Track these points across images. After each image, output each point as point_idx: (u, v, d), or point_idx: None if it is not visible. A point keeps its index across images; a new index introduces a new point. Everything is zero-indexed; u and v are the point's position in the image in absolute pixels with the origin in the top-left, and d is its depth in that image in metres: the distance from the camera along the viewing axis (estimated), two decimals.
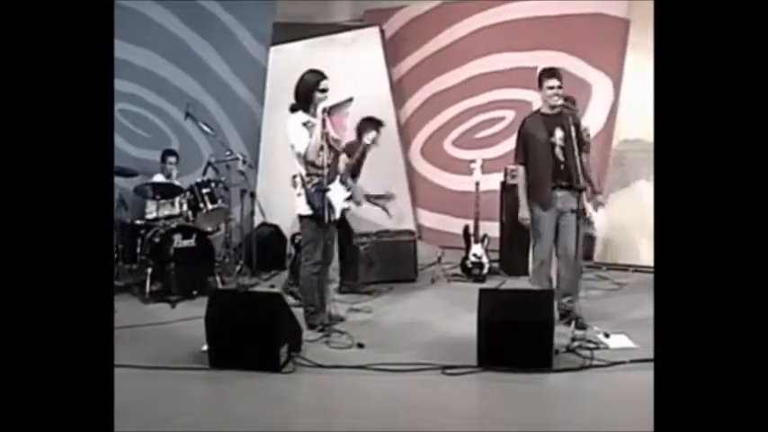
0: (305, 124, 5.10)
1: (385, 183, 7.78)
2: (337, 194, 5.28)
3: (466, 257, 6.90)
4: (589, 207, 5.31)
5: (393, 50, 8.51)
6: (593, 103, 7.62)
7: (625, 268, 7.13)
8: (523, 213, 5.41)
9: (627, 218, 7.25)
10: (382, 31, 8.42)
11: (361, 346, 4.94)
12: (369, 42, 8.31)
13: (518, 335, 4.43)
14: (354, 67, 7.81)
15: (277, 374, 4.45)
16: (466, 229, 6.95)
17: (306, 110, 5.14)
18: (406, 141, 8.59)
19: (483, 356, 4.49)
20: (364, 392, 4.35)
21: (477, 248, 6.86)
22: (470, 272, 6.86)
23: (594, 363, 4.56)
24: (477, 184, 6.85)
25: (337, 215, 5.32)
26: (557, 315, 5.19)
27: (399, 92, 8.56)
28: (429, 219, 8.58)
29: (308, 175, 5.15)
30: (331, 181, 5.22)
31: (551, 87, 5.19)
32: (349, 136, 7.92)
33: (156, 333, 5.39)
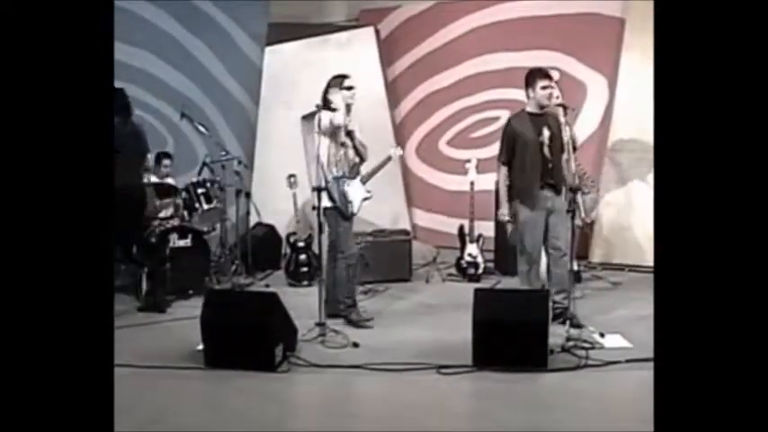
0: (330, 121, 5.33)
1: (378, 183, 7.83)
2: (356, 191, 5.49)
3: (461, 257, 6.90)
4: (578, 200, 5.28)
5: (388, 50, 8.50)
6: (588, 103, 7.64)
7: (621, 268, 7.14)
8: (504, 210, 5.39)
9: (622, 218, 7.27)
10: (377, 31, 8.41)
11: (356, 345, 4.94)
12: (363, 42, 8.30)
13: (513, 334, 4.43)
14: (349, 67, 7.72)
15: (272, 374, 4.43)
16: (461, 228, 6.95)
17: (333, 109, 5.33)
18: (401, 141, 8.54)
19: (478, 356, 4.49)
20: (359, 392, 4.37)
21: (471, 248, 6.86)
22: (465, 272, 6.86)
23: (590, 362, 4.56)
24: (472, 183, 6.86)
25: (355, 210, 5.49)
26: (551, 314, 5.21)
27: (394, 92, 8.56)
28: (424, 218, 8.57)
29: (328, 166, 5.31)
30: (352, 178, 5.44)
31: (545, 87, 5.19)
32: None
33: (152, 332, 5.39)
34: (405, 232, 7.11)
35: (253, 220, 7.39)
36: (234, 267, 6.78)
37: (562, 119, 5.14)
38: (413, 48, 8.44)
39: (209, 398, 4.29)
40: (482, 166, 7.00)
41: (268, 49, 7.95)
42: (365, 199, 5.58)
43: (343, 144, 5.38)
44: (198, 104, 7.47)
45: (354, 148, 5.46)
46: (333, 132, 5.33)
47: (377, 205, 7.79)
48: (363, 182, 5.58)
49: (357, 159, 5.51)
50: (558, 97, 5.30)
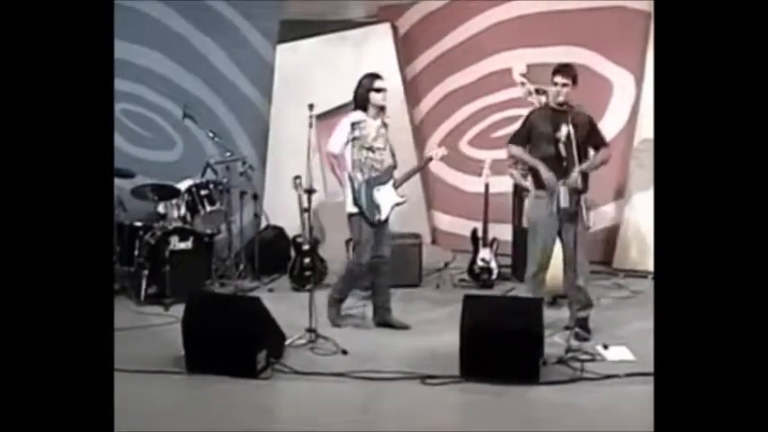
0: (354, 124, 5.23)
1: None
2: (387, 197, 5.32)
3: (473, 262, 6.64)
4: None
5: (408, 47, 8.26)
6: (615, 100, 7.32)
7: (644, 275, 6.75)
8: (546, 174, 4.97)
9: (648, 222, 6.87)
10: (394, 28, 8.17)
11: (345, 352, 4.79)
12: (380, 39, 8.06)
13: (502, 344, 4.20)
14: (365, 64, 7.62)
15: (254, 380, 4.35)
16: (474, 232, 6.69)
17: (364, 109, 5.27)
18: (421, 141, 8.33)
19: (465, 366, 4.28)
20: (340, 401, 4.22)
21: (485, 253, 6.58)
22: (478, 277, 6.59)
23: (585, 375, 4.31)
24: (487, 185, 6.60)
25: (383, 216, 5.31)
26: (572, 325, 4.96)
27: (414, 90, 8.31)
28: (444, 222, 8.30)
29: (353, 169, 5.23)
30: (383, 183, 5.29)
31: (556, 84, 5.02)
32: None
33: (142, 336, 5.30)
34: (414, 236, 6.85)
35: (264, 222, 7.30)
36: (238, 271, 6.67)
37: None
38: (433, 44, 8.16)
39: (186, 403, 4.21)
40: (502, 168, 6.69)
41: (282, 46, 7.81)
42: (397, 204, 5.39)
43: (369, 148, 5.23)
44: (208, 104, 7.38)
45: (390, 150, 5.36)
46: (357, 136, 5.22)
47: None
48: (396, 186, 5.40)
49: (391, 162, 5.36)
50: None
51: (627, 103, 7.30)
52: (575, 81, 5.01)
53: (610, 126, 7.22)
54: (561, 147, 4.96)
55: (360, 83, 5.30)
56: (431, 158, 5.71)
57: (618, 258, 7.10)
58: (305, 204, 6.60)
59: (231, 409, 4.03)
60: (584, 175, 4.95)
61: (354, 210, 5.21)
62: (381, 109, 5.28)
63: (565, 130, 4.94)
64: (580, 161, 4.88)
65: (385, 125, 5.34)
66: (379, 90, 5.23)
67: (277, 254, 6.97)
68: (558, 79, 5.00)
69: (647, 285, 6.51)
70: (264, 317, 4.60)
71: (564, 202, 4.88)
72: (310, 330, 4.95)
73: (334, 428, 3.83)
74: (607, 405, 4.02)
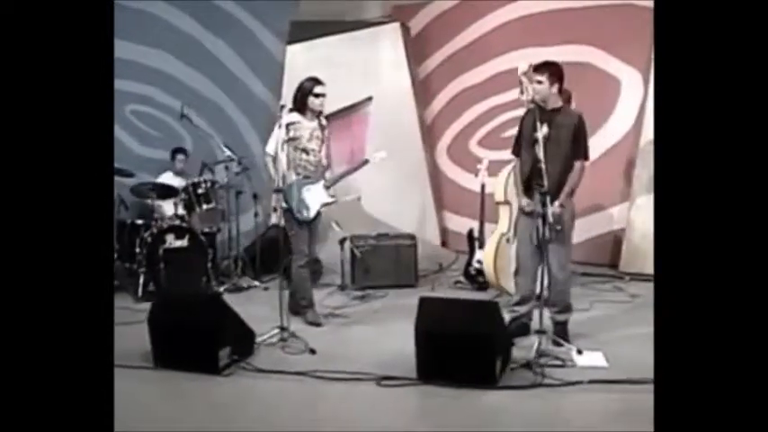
0: (289, 125, 5.31)
1: (401, 186, 7.61)
2: (315, 196, 5.43)
3: (469, 263, 6.52)
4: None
5: (420, 48, 8.22)
6: (622, 99, 7.12)
7: (649, 279, 6.50)
8: (521, 201, 5.02)
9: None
10: (405, 28, 8.13)
11: (312, 352, 4.77)
12: (390, 39, 8.04)
13: (458, 347, 4.09)
14: (374, 64, 7.62)
15: (215, 377, 4.36)
16: (470, 233, 6.58)
17: (301, 112, 5.37)
18: (431, 141, 8.27)
19: (422, 369, 4.19)
20: (294, 400, 4.19)
21: (480, 254, 6.45)
22: (474, 279, 6.47)
23: (546, 381, 4.15)
24: (483, 185, 6.49)
25: (311, 215, 5.43)
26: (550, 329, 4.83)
27: (425, 90, 8.26)
28: (456, 222, 8.20)
29: (288, 169, 5.37)
30: (313, 182, 5.41)
31: (532, 82, 4.87)
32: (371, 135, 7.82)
33: (130, 332, 5.35)
34: (410, 236, 6.79)
35: (270, 221, 7.35)
36: (237, 269, 6.73)
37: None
38: (445, 44, 8.12)
39: (144, 398, 4.20)
40: (496, 168, 6.55)
41: (291, 47, 7.86)
42: (326, 204, 5.48)
43: (303, 150, 5.37)
44: (219, 104, 7.46)
45: (324, 151, 5.47)
46: (293, 137, 5.33)
47: (399, 209, 7.61)
48: (327, 186, 5.48)
49: (325, 163, 5.49)
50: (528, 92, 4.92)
51: (635, 102, 7.12)
52: (553, 79, 4.83)
53: (617, 126, 7.11)
54: (537, 148, 4.72)
55: (300, 86, 5.37)
56: (367, 161, 5.67)
57: (624, 261, 6.89)
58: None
59: (187, 406, 4.05)
60: (555, 176, 4.73)
61: (284, 206, 5.38)
62: (318, 114, 5.40)
63: (545, 130, 4.72)
64: (555, 164, 4.69)
65: (322, 127, 5.44)
66: (318, 95, 5.32)
67: (279, 253, 7.01)
68: (534, 77, 4.85)
69: (650, 289, 6.27)
70: (228, 314, 4.61)
71: (530, 206, 4.82)
72: (282, 328, 4.96)
73: (283, 428, 3.79)
74: (563, 412, 3.89)
